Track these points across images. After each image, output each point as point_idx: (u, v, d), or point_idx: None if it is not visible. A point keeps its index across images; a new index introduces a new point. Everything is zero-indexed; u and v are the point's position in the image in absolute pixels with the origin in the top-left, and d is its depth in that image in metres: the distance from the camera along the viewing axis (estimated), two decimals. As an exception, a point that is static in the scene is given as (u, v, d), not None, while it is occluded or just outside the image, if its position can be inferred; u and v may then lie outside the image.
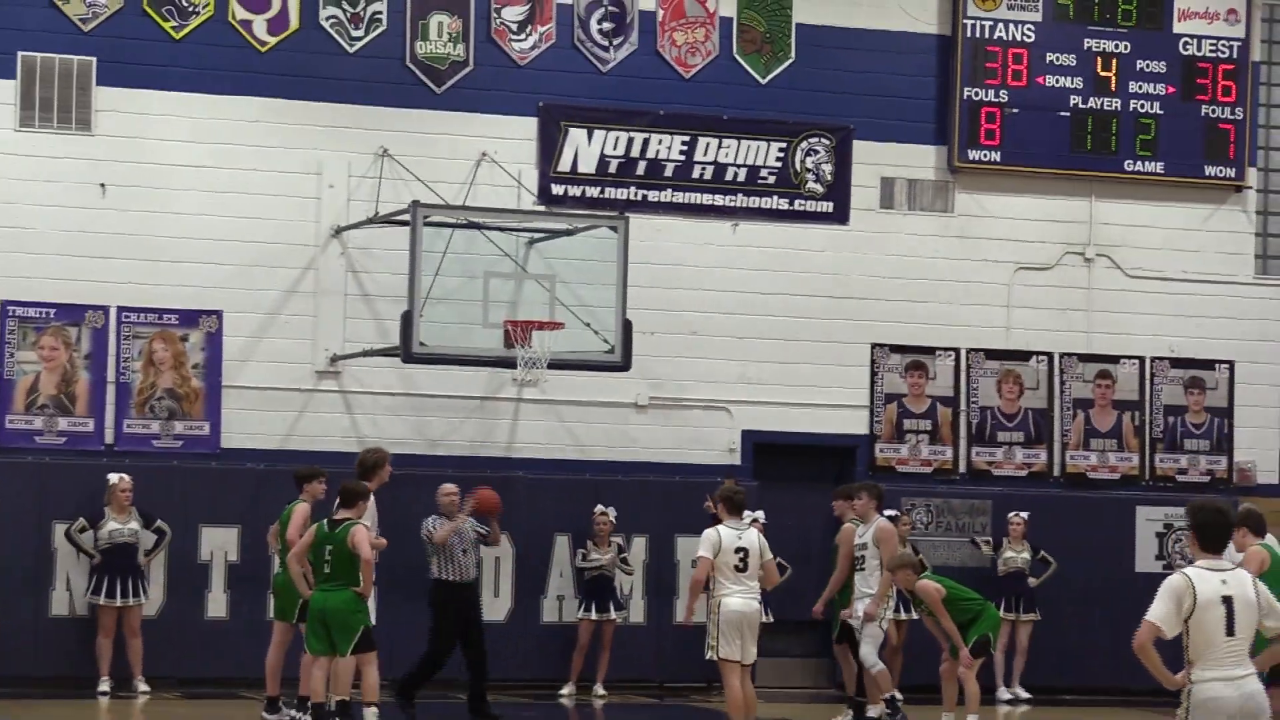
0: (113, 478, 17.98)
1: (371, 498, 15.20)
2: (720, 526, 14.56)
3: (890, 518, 17.10)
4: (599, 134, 20.05)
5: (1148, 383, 21.58)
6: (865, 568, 16.57)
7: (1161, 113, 21.45)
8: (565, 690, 19.04)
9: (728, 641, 14.39)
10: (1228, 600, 8.81)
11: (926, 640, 16.88)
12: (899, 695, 16.57)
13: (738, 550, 14.42)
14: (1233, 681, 8.79)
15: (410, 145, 19.40)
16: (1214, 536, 9.01)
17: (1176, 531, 21.00)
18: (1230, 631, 8.80)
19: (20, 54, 18.65)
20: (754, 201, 20.52)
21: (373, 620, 14.88)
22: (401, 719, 16.11)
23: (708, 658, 14.72)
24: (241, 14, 19.18)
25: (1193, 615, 8.77)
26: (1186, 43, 21.55)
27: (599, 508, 19.17)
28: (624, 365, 18.61)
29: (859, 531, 16.70)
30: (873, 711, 16.53)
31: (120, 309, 18.83)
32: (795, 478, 20.29)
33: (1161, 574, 19.23)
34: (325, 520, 14.74)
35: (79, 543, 18.03)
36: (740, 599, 14.43)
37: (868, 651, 16.46)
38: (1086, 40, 21.27)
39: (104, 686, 17.82)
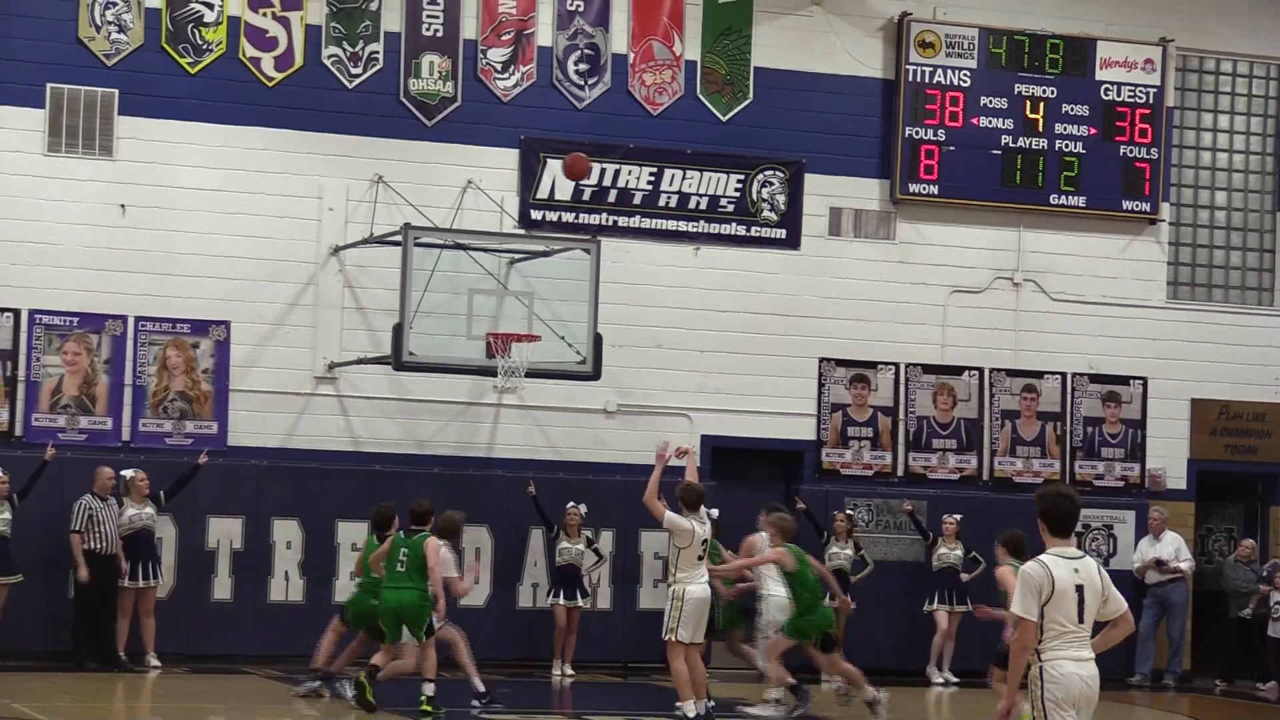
0: (127, 473, 18.50)
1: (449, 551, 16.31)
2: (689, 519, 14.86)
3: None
4: (575, 165, 20.65)
5: (1069, 396, 22.19)
6: None
7: (1084, 152, 22.08)
8: (556, 670, 19.55)
9: (687, 627, 14.85)
10: (1080, 589, 8.84)
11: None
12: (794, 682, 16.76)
13: (704, 542, 14.96)
14: (1080, 662, 8.85)
15: (403, 173, 19.94)
16: (1062, 522, 8.97)
17: (1093, 531, 21.76)
18: (1080, 619, 8.85)
19: (49, 85, 19.14)
20: (714, 228, 21.12)
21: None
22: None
23: (665, 638, 15.07)
24: (251, 51, 19.75)
25: (1050, 601, 8.77)
26: (1107, 89, 22.24)
27: (570, 504, 19.77)
28: (595, 375, 19.13)
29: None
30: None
31: (137, 318, 19.35)
32: (749, 478, 20.84)
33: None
34: (402, 531, 16.07)
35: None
36: (699, 586, 14.96)
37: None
38: (1017, 85, 21.91)
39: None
